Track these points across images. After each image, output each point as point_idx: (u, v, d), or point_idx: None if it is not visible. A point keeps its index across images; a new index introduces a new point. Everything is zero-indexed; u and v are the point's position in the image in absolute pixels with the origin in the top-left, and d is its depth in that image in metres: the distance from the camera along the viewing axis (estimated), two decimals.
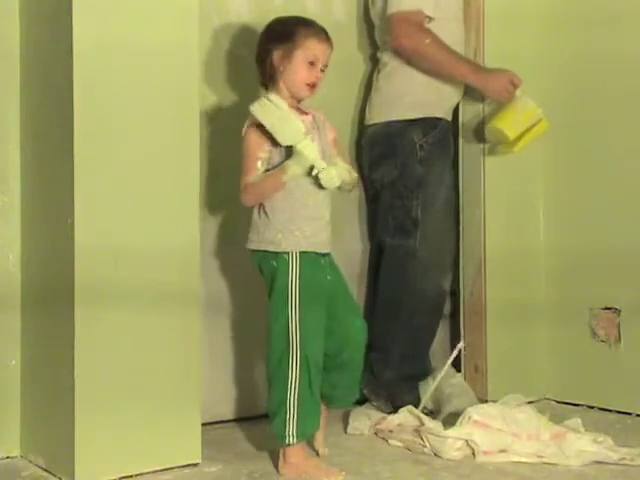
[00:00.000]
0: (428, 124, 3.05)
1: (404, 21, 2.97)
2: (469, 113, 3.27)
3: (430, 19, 3.00)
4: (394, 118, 3.05)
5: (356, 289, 3.27)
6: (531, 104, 3.04)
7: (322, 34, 2.55)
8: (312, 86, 2.52)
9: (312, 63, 2.50)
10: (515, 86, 3.04)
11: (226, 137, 3.03)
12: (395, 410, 2.85)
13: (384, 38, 3.10)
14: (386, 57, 3.10)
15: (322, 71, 2.52)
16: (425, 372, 3.08)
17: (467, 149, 3.29)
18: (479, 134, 3.24)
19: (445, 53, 2.98)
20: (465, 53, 3.18)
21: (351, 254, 3.27)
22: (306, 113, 2.56)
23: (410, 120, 3.04)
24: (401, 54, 3.03)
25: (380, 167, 3.09)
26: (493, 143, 3.20)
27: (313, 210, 2.51)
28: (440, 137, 3.07)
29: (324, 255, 2.56)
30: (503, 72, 3.05)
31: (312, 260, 2.51)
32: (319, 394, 2.48)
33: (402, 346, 3.03)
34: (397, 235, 3.05)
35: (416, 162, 3.03)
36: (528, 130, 3.04)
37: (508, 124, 3.04)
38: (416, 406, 2.90)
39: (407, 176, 3.03)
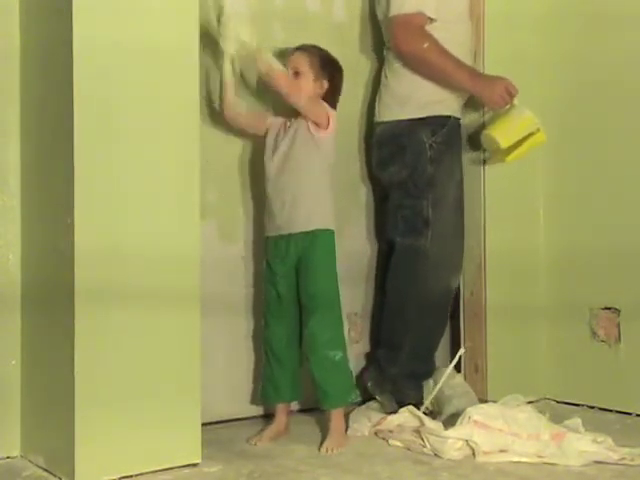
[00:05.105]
0: (437, 123, 3.05)
1: (404, 24, 2.97)
2: (471, 115, 3.26)
3: (432, 20, 3.00)
4: (403, 117, 3.05)
5: (363, 288, 3.28)
6: (527, 114, 3.01)
7: (298, 48, 2.88)
8: None
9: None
10: (511, 95, 3.02)
11: (226, 137, 3.04)
12: (398, 406, 2.87)
13: (389, 37, 3.10)
14: (393, 56, 3.09)
15: (296, 74, 2.81)
16: (431, 370, 3.09)
17: (468, 150, 3.29)
18: (479, 135, 3.23)
19: (443, 58, 2.97)
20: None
21: (356, 252, 3.28)
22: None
23: (418, 119, 3.03)
24: (401, 57, 3.03)
25: (389, 167, 3.09)
26: (488, 150, 3.20)
27: None
28: (449, 135, 3.07)
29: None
30: (500, 80, 3.02)
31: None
32: (278, 373, 2.84)
33: (411, 345, 3.04)
34: (408, 235, 3.05)
35: (426, 161, 3.02)
36: (523, 140, 3.03)
37: (502, 132, 3.02)
38: (419, 404, 2.91)
39: (417, 176, 3.03)
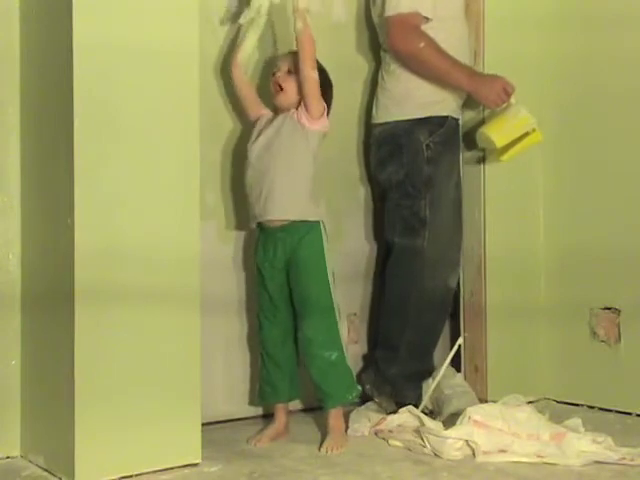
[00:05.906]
0: (434, 123, 3.05)
1: (400, 24, 2.97)
2: (469, 113, 3.27)
3: (428, 20, 3.00)
4: (400, 118, 3.05)
5: (362, 289, 3.28)
6: (523, 113, 3.00)
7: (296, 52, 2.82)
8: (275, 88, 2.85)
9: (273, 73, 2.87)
10: (508, 94, 3.01)
11: (226, 137, 3.04)
12: (397, 407, 2.86)
13: (385, 38, 3.10)
14: (389, 57, 3.09)
15: (289, 72, 2.81)
16: (430, 370, 3.09)
17: (467, 149, 3.29)
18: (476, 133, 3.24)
19: (439, 58, 2.97)
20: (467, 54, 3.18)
21: (355, 253, 3.29)
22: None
23: (416, 120, 3.04)
24: (397, 57, 3.04)
25: (387, 167, 3.09)
26: (484, 149, 3.20)
27: None
28: (447, 136, 3.07)
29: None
30: (497, 78, 3.02)
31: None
32: (275, 374, 2.83)
33: (410, 345, 3.04)
34: (405, 235, 3.05)
35: (423, 162, 3.03)
36: (518, 140, 3.02)
37: (497, 131, 3.01)
38: (418, 404, 2.91)
39: (414, 176, 3.03)
